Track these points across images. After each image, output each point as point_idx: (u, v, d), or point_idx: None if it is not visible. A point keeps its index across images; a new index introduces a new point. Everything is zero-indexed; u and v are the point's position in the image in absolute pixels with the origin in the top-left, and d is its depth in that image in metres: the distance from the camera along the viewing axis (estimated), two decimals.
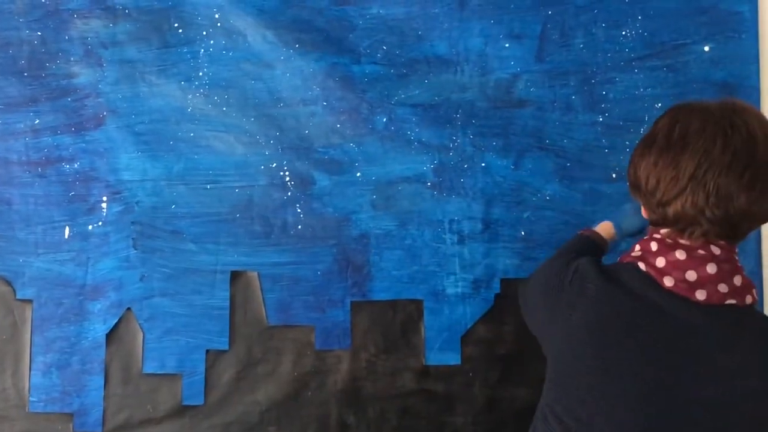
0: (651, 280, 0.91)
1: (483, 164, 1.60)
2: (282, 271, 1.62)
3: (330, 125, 1.63)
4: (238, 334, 1.62)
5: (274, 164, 1.63)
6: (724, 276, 0.89)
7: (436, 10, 1.61)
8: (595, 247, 1.24)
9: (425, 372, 1.58)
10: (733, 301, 0.89)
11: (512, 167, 1.59)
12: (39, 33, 1.67)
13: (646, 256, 0.93)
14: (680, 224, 0.90)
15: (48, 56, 1.67)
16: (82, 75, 1.66)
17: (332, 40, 1.62)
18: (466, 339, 1.58)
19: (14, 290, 1.65)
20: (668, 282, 0.89)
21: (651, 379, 0.87)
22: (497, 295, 1.58)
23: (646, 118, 1.57)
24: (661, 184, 0.90)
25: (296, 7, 1.62)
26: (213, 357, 1.62)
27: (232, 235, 1.63)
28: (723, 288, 0.88)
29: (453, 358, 1.58)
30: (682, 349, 0.87)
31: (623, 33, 1.58)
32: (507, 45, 1.60)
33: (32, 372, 1.63)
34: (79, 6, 1.66)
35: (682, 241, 0.91)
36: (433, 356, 1.58)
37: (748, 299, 0.90)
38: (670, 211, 0.90)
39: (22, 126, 1.67)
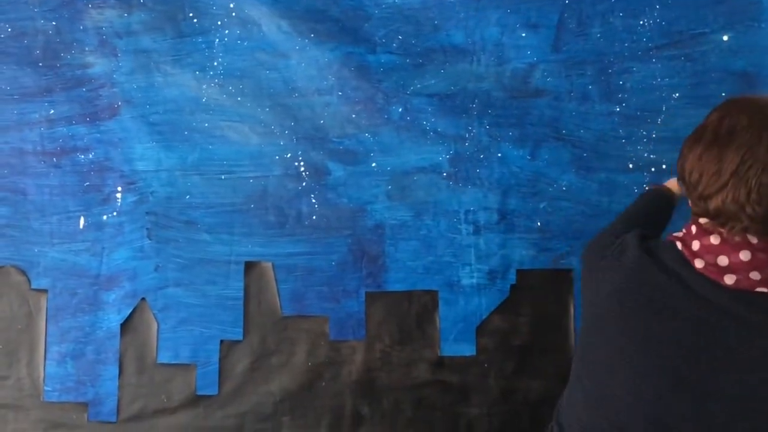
0: (685, 260, 0.92)
1: (499, 154, 1.59)
2: (296, 261, 1.62)
3: (345, 115, 1.62)
4: (253, 324, 1.61)
5: (289, 154, 1.63)
6: (758, 264, 0.88)
7: (452, 0, 1.60)
8: (663, 198, 1.27)
9: (440, 363, 1.58)
10: (764, 290, 0.88)
11: (528, 157, 1.59)
12: (54, 23, 1.67)
13: (686, 237, 0.94)
14: (721, 218, 0.90)
15: (63, 46, 1.67)
16: (97, 65, 1.66)
17: (347, 30, 1.61)
18: (481, 330, 1.58)
19: (29, 280, 1.66)
20: (699, 264, 0.91)
21: (672, 354, 0.89)
22: (513, 286, 1.57)
23: (664, 108, 1.56)
24: (704, 177, 0.90)
25: None
26: (227, 347, 1.62)
27: (246, 225, 1.63)
28: (755, 276, 0.88)
29: (468, 349, 1.57)
30: (705, 329, 0.88)
31: (641, 22, 1.57)
32: (523, 34, 1.59)
33: (47, 362, 1.64)
34: None
35: (719, 229, 0.91)
36: (448, 347, 1.58)
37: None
38: (711, 205, 0.89)
39: (37, 116, 1.67)
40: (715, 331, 0.88)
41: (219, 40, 1.64)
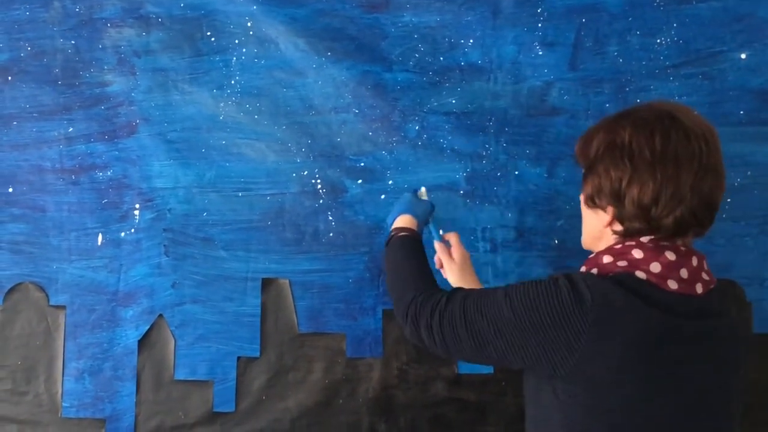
0: (654, 288, 0.90)
1: (516, 172, 1.59)
2: (313, 278, 1.62)
3: (362, 133, 1.63)
4: (269, 341, 1.62)
5: (306, 172, 1.64)
6: (701, 265, 0.94)
7: (469, 18, 1.60)
8: (417, 242, 1.28)
9: (457, 381, 1.58)
10: (712, 286, 0.95)
11: (545, 175, 1.58)
12: (73, 42, 1.69)
13: (637, 264, 0.91)
14: (676, 232, 0.92)
15: (81, 65, 1.68)
16: (116, 83, 1.67)
17: (364, 48, 1.62)
18: None
19: (48, 296, 1.67)
20: (672, 285, 0.90)
21: (688, 383, 0.90)
22: None
23: None
24: (662, 198, 0.90)
25: (328, 15, 1.63)
26: (244, 364, 1.62)
27: (263, 242, 1.63)
28: (705, 276, 0.94)
29: (486, 367, 1.57)
30: (702, 345, 0.91)
31: (658, 40, 1.57)
32: (540, 53, 1.59)
33: (65, 378, 1.65)
34: (113, 15, 1.67)
35: (663, 243, 0.93)
36: (466, 365, 1.57)
37: (713, 280, 0.96)
38: (668, 221, 0.91)
39: (55, 134, 1.69)
40: (713, 342, 0.91)
41: (236, 59, 1.65)
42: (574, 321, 0.86)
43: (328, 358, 1.61)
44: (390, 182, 1.62)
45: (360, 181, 1.63)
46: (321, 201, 1.63)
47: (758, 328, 1.55)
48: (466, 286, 1.22)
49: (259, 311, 1.62)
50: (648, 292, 0.88)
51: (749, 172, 1.56)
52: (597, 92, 1.58)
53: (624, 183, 0.92)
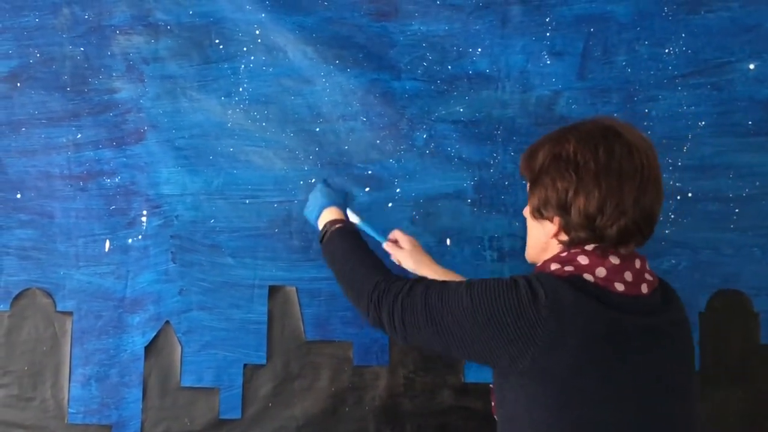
0: (602, 289, 0.94)
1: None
2: (320, 286, 1.62)
3: (370, 141, 1.63)
4: (276, 348, 1.62)
5: (313, 179, 1.64)
6: (644, 267, 0.98)
7: (478, 27, 1.61)
8: (355, 232, 1.32)
9: (464, 389, 1.58)
10: (655, 286, 0.99)
11: None
12: (82, 48, 1.69)
13: (583, 269, 0.95)
14: (619, 240, 0.96)
15: (90, 71, 1.69)
16: (124, 90, 1.68)
17: (372, 56, 1.63)
18: None
19: (55, 302, 1.67)
20: (619, 287, 0.94)
21: (646, 377, 0.93)
22: None
23: (689, 137, 1.57)
24: (606, 210, 0.93)
25: (337, 23, 1.63)
26: (250, 371, 1.62)
27: (270, 249, 1.64)
28: (649, 276, 0.98)
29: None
30: (655, 343, 0.94)
31: (666, 50, 1.57)
32: (549, 62, 1.60)
33: (71, 384, 1.65)
34: (122, 22, 1.68)
35: (612, 249, 0.97)
36: (472, 373, 1.57)
37: (657, 279, 1.01)
38: (612, 231, 0.95)
39: (64, 140, 1.69)
40: (664, 339, 0.95)
41: (244, 66, 1.65)
42: (528, 315, 0.90)
43: (335, 365, 1.61)
44: (397, 190, 1.62)
45: (367, 189, 1.63)
46: None
47: (765, 338, 1.55)
48: (425, 270, 1.33)
49: (266, 318, 1.63)
50: (596, 293, 0.92)
51: (757, 183, 1.56)
52: (605, 102, 1.59)
53: (570, 193, 0.96)
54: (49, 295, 1.67)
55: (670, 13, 1.57)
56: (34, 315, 1.67)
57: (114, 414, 1.63)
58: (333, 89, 1.63)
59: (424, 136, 1.62)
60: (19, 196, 1.69)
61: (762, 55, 1.55)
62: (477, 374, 1.57)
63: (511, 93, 1.60)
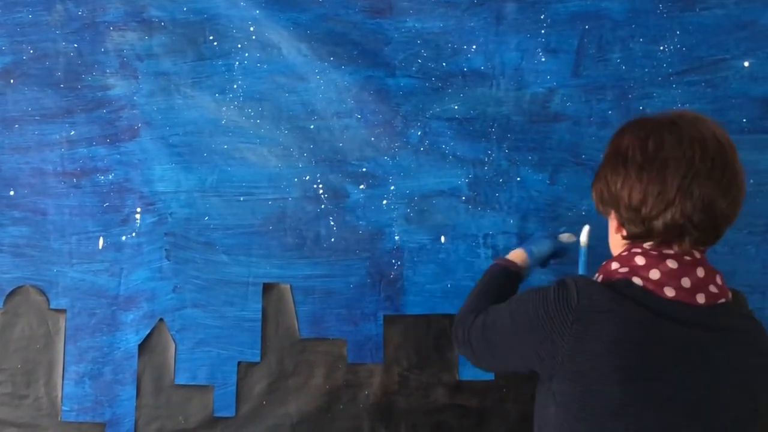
0: (650, 294, 0.91)
1: (518, 179, 1.59)
2: (314, 283, 1.62)
3: (364, 138, 1.63)
4: (270, 346, 1.62)
5: (308, 177, 1.64)
6: (709, 278, 0.93)
7: (472, 24, 1.60)
8: (512, 276, 1.29)
9: (458, 387, 1.58)
10: (723, 300, 0.93)
11: (548, 182, 1.58)
12: (75, 45, 1.68)
13: (637, 270, 0.93)
14: (668, 235, 0.93)
15: (84, 68, 1.68)
16: (118, 87, 1.67)
17: (367, 53, 1.62)
18: None
19: (48, 300, 1.67)
20: (669, 293, 0.91)
21: (676, 388, 0.88)
22: None
23: None
24: (649, 198, 0.92)
25: (331, 20, 1.63)
26: (245, 369, 1.62)
27: (264, 247, 1.63)
28: (713, 289, 0.93)
29: (487, 374, 1.56)
30: (698, 356, 0.89)
31: (661, 48, 1.57)
32: (543, 59, 1.59)
33: (65, 381, 1.64)
34: (115, 18, 1.67)
35: (667, 251, 0.94)
36: (467, 371, 1.57)
37: (729, 295, 0.96)
38: (659, 223, 0.92)
39: (57, 137, 1.69)
40: (710, 354, 0.90)
41: (239, 63, 1.65)
42: (557, 318, 0.91)
43: (329, 363, 1.60)
44: (392, 188, 1.62)
45: (362, 187, 1.63)
46: (323, 206, 1.63)
47: None
48: None
49: (260, 316, 1.62)
50: (642, 298, 0.90)
51: (752, 180, 1.54)
52: (600, 99, 1.58)
53: (618, 185, 0.95)
54: (43, 292, 1.67)
55: (664, 11, 1.57)
56: (27, 312, 1.67)
57: (108, 412, 1.63)
58: (327, 86, 1.63)
59: (419, 133, 1.61)
60: (12, 193, 1.69)
61: (757, 52, 1.55)
62: (471, 372, 1.57)
63: (506, 90, 1.60)
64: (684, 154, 0.90)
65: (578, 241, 1.38)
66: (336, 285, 1.61)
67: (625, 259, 0.95)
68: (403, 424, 1.58)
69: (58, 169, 1.68)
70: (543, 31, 1.59)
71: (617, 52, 1.58)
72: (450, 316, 1.58)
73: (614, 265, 0.97)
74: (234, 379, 1.61)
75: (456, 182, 1.60)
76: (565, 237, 1.44)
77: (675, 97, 1.56)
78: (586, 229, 1.37)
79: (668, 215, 0.91)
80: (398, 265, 1.60)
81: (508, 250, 1.57)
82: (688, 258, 0.93)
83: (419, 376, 1.59)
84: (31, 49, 1.69)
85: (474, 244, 1.59)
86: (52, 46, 1.69)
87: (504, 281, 1.28)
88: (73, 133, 1.68)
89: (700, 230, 0.91)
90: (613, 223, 1.03)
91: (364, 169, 1.63)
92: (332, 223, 1.62)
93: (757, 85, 1.55)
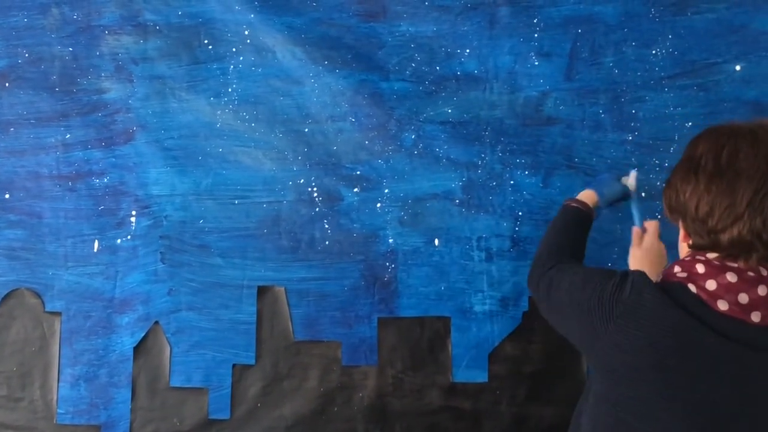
0: (702, 303, 0.88)
1: (512, 182, 1.60)
2: (309, 286, 1.63)
3: (358, 142, 1.63)
4: (265, 348, 1.62)
5: (302, 180, 1.64)
6: None
7: (466, 28, 1.61)
8: (585, 217, 1.29)
9: (452, 389, 1.58)
10: None
11: (541, 185, 1.59)
12: (70, 49, 1.69)
13: (695, 278, 0.90)
14: (734, 250, 0.89)
15: (79, 72, 1.69)
16: (113, 90, 1.68)
17: (361, 57, 1.63)
18: (493, 356, 1.58)
19: (43, 303, 1.67)
20: (722, 306, 0.87)
21: (716, 409, 0.86)
22: (525, 313, 1.58)
23: (676, 137, 1.57)
24: (716, 211, 0.88)
25: (325, 24, 1.64)
26: (239, 371, 1.62)
27: (259, 250, 1.64)
28: None
29: (480, 376, 1.57)
30: (744, 375, 0.86)
31: (653, 52, 1.58)
32: (536, 63, 1.60)
33: (60, 384, 1.65)
34: (111, 22, 1.68)
35: (730, 264, 0.90)
36: (461, 373, 1.58)
37: None
38: (725, 237, 0.88)
39: (53, 140, 1.69)
40: (753, 374, 0.86)
41: (234, 67, 1.66)
42: (606, 308, 0.91)
43: (324, 366, 1.61)
44: (386, 191, 1.63)
45: (356, 190, 1.63)
46: (317, 209, 1.64)
47: None
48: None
49: (255, 319, 1.63)
50: (691, 305, 0.88)
51: None
52: (592, 102, 1.59)
53: (686, 195, 0.92)
54: (38, 295, 1.67)
55: (657, 15, 1.58)
56: (22, 315, 1.67)
57: (103, 414, 1.63)
58: (322, 90, 1.64)
59: (413, 136, 1.62)
60: (7, 196, 1.69)
61: (748, 56, 1.56)
62: (465, 374, 1.58)
63: (499, 94, 1.61)
64: (759, 167, 0.85)
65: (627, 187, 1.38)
66: (330, 288, 1.62)
67: (687, 265, 0.92)
68: (397, 425, 1.59)
69: (54, 172, 1.69)
70: (536, 35, 1.60)
71: (610, 56, 1.59)
72: (443, 318, 1.59)
73: (676, 269, 0.94)
74: (229, 381, 1.62)
75: (449, 185, 1.61)
76: (630, 179, 1.40)
77: (667, 100, 1.57)
78: (633, 173, 1.38)
79: (735, 230, 0.87)
80: (392, 267, 1.61)
81: (501, 252, 1.59)
82: (751, 274, 0.88)
83: (413, 378, 1.59)
84: (26, 52, 1.70)
85: (467, 246, 1.60)
86: (48, 49, 1.70)
87: (576, 224, 1.28)
88: (68, 136, 1.69)
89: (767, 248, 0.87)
90: (681, 232, 1.00)
91: (358, 173, 1.63)
92: (327, 226, 1.63)
93: (748, 88, 1.56)
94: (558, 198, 1.58)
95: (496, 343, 1.58)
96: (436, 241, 1.60)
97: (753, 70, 1.56)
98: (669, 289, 0.90)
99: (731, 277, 0.88)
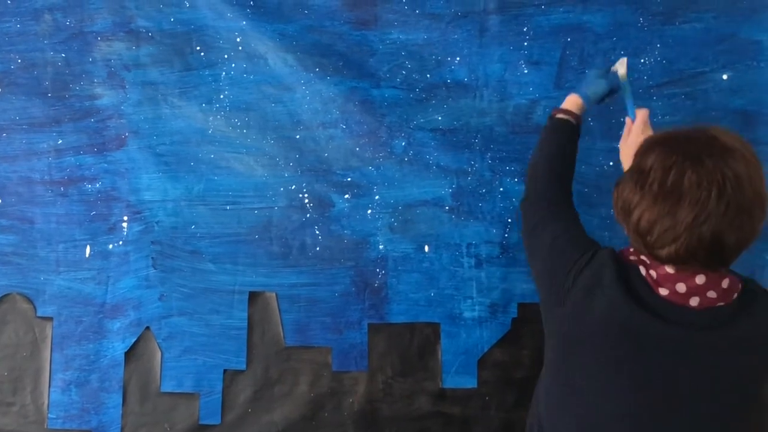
0: (649, 287, 0.97)
1: (501, 189, 1.61)
2: (300, 292, 1.63)
3: (349, 148, 1.64)
4: (256, 354, 1.63)
5: (293, 186, 1.65)
6: (711, 284, 0.95)
7: (456, 36, 1.62)
8: (573, 128, 1.31)
9: (442, 395, 1.59)
10: (722, 303, 0.96)
11: None
12: (63, 55, 1.70)
13: (644, 263, 0.99)
14: (671, 263, 0.95)
15: (72, 78, 1.69)
16: (105, 96, 1.69)
17: (352, 65, 1.64)
18: (482, 362, 1.59)
19: (35, 308, 1.67)
20: (663, 291, 0.96)
21: (659, 387, 0.96)
22: (514, 320, 1.59)
23: None
24: (656, 229, 0.93)
25: (317, 32, 1.64)
26: (230, 377, 1.63)
27: (250, 255, 1.64)
28: (712, 294, 0.95)
29: (469, 382, 1.58)
30: (685, 356, 0.95)
31: (642, 60, 1.59)
32: (526, 71, 1.61)
33: (51, 389, 1.65)
34: (103, 29, 1.69)
35: None
36: (450, 379, 1.59)
37: (734, 296, 0.97)
38: (663, 253, 0.94)
39: (45, 146, 1.70)
40: (693, 355, 0.95)
41: (225, 74, 1.66)
42: (568, 284, 1.02)
43: (314, 371, 1.62)
44: (376, 197, 1.63)
45: (347, 196, 1.64)
46: (308, 215, 1.64)
47: None
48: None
49: (246, 324, 1.63)
50: (640, 287, 0.97)
51: None
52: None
53: (631, 206, 0.96)
54: (30, 300, 1.68)
55: (645, 24, 1.59)
56: (14, 320, 1.68)
57: (94, 419, 1.64)
58: (313, 97, 1.65)
59: (403, 143, 1.63)
60: None
61: (735, 65, 1.57)
62: (454, 380, 1.59)
63: (489, 102, 1.62)
64: (700, 196, 0.89)
65: (617, 75, 1.34)
66: (321, 293, 1.63)
67: (636, 253, 1.01)
68: (387, 431, 1.60)
69: (46, 177, 1.69)
70: (526, 44, 1.61)
71: (599, 64, 1.59)
72: (433, 324, 1.60)
73: (630, 251, 1.04)
74: (220, 386, 1.62)
75: (440, 192, 1.62)
76: (620, 67, 1.35)
77: (656, 109, 1.58)
78: (622, 60, 1.34)
79: (672, 248, 0.92)
80: (382, 273, 1.61)
81: (491, 259, 1.60)
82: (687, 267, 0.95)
83: (403, 384, 1.60)
84: (19, 58, 1.71)
85: (457, 253, 1.61)
86: (40, 55, 1.70)
87: (562, 138, 1.29)
88: (60, 142, 1.69)
89: (703, 263, 0.93)
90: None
91: (349, 179, 1.64)
92: (317, 232, 1.64)
93: (735, 97, 1.57)
94: None
95: (486, 349, 1.59)
96: (426, 248, 1.61)
97: (740, 79, 1.57)
98: (625, 269, 1.00)
99: (669, 269, 0.96)
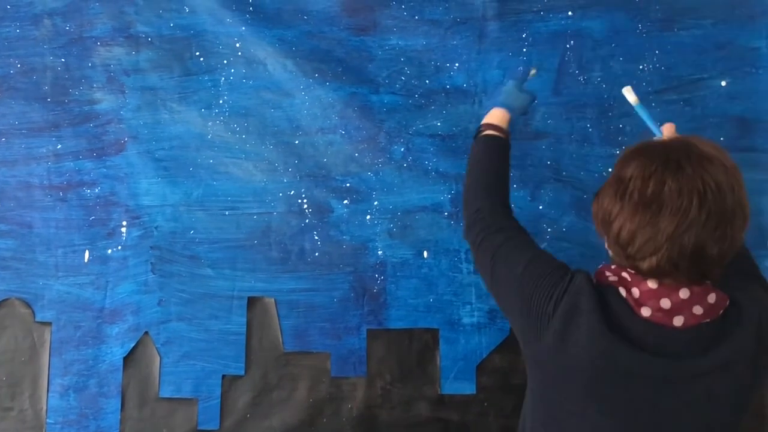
0: (630, 309, 0.94)
1: None
2: (299, 297, 1.63)
3: (348, 154, 1.64)
4: (254, 359, 1.63)
5: (292, 191, 1.65)
6: (696, 298, 0.93)
7: (455, 42, 1.63)
8: (505, 145, 1.29)
9: (440, 401, 1.59)
10: (707, 320, 0.93)
11: (529, 198, 1.60)
12: (62, 59, 1.70)
13: (624, 283, 0.96)
14: (652, 275, 0.93)
15: (71, 82, 1.70)
16: (105, 101, 1.69)
17: (351, 70, 1.64)
18: (481, 368, 1.59)
19: (33, 312, 1.67)
20: (645, 312, 0.93)
21: (642, 417, 0.94)
22: None
23: None
24: (637, 240, 0.91)
25: (316, 37, 1.65)
26: (229, 382, 1.63)
27: (249, 261, 1.65)
28: (698, 310, 0.93)
29: (468, 388, 1.58)
30: (664, 387, 0.93)
31: (640, 67, 1.59)
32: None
33: (50, 394, 1.65)
34: (103, 34, 1.69)
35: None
36: (449, 385, 1.59)
37: (720, 311, 0.95)
38: (644, 265, 0.92)
39: (44, 151, 1.70)
40: (677, 387, 0.93)
41: (225, 79, 1.66)
42: (545, 318, 0.97)
43: (313, 377, 1.62)
44: (375, 203, 1.64)
45: (346, 202, 1.64)
46: (307, 221, 1.64)
47: None
48: None
49: (245, 329, 1.63)
50: (620, 311, 0.94)
51: None
52: (580, 117, 1.60)
53: (611, 217, 0.95)
54: (28, 305, 1.68)
55: (644, 31, 1.59)
56: (12, 325, 1.68)
57: (92, 425, 1.64)
58: (312, 102, 1.65)
59: (402, 149, 1.63)
60: None
61: (734, 71, 1.57)
62: (453, 386, 1.59)
63: (488, 108, 1.60)
64: (681, 204, 0.88)
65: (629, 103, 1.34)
66: (320, 299, 1.63)
67: (615, 271, 0.98)
68: None
69: (45, 182, 1.69)
70: (525, 50, 1.62)
71: (597, 70, 1.60)
72: (432, 330, 1.60)
73: (607, 272, 0.99)
74: (218, 392, 1.62)
75: (438, 198, 1.62)
76: (627, 96, 1.36)
77: (654, 115, 1.57)
78: (628, 89, 1.35)
79: (654, 260, 0.91)
80: (381, 279, 1.61)
81: None
82: (670, 280, 0.93)
83: (402, 390, 1.60)
84: (18, 63, 1.71)
85: (456, 259, 1.61)
86: (40, 60, 1.70)
87: (496, 154, 1.27)
88: (59, 146, 1.69)
89: (685, 273, 0.92)
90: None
91: (348, 185, 1.64)
92: (316, 237, 1.64)
93: (734, 104, 1.58)
94: (546, 211, 1.60)
95: (484, 355, 1.59)
96: (425, 254, 1.61)
97: (738, 85, 1.57)
98: (604, 294, 0.96)
99: (652, 284, 0.93)
